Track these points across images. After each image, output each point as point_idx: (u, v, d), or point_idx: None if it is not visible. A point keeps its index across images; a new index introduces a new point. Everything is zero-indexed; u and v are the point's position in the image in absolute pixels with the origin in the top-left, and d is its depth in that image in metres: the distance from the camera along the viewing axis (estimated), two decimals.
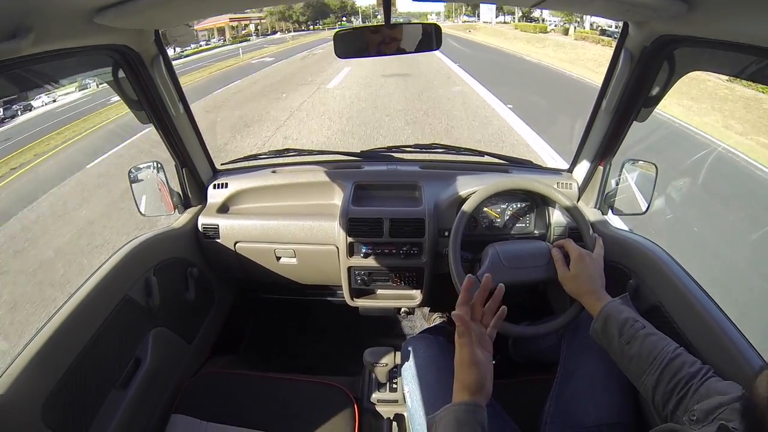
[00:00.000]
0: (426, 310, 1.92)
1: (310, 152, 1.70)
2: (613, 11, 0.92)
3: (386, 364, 1.20)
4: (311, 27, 72.96)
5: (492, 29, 34.46)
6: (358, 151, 1.65)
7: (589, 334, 0.94)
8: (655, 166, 1.24)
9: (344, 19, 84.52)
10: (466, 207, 1.21)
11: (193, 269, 1.43)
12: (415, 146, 1.61)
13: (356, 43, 1.00)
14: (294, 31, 63.35)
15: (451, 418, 0.73)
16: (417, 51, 1.00)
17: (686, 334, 0.90)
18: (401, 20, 1.16)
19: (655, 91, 1.06)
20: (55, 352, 0.89)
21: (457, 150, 1.60)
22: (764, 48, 0.66)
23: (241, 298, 1.84)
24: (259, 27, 60.09)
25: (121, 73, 1.14)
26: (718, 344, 0.82)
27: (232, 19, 48.99)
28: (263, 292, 1.91)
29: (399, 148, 1.64)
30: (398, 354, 1.19)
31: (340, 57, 1.01)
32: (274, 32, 60.21)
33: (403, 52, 0.99)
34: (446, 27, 34.37)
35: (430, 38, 1.00)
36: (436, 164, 1.60)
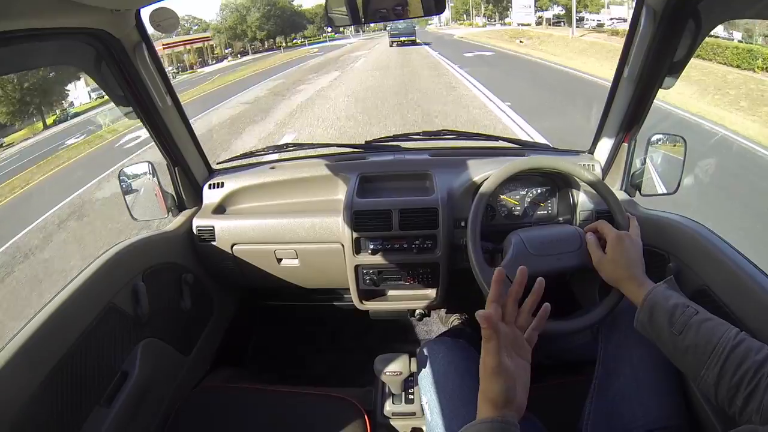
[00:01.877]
0: (442, 312, 1.83)
1: (311, 145, 1.64)
2: None
3: (400, 373, 1.10)
4: (283, 43, 59.36)
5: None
6: (362, 142, 1.58)
7: (634, 327, 0.84)
8: (684, 140, 1.16)
9: (329, 30, 78.75)
10: (484, 189, 1.11)
11: (187, 275, 1.35)
12: (423, 133, 1.53)
13: (355, 7, 0.90)
14: (253, 52, 51.19)
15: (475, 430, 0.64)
16: (421, 16, 0.92)
17: (743, 318, 0.80)
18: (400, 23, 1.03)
19: (680, 54, 0.99)
20: (26, 365, 0.82)
21: (468, 135, 1.52)
22: None
23: (242, 306, 1.76)
24: (205, 51, 48.05)
25: (104, 68, 1.08)
26: None
27: (165, 46, 37.13)
28: (265, 299, 1.82)
29: (406, 137, 1.54)
30: (413, 361, 1.10)
31: (329, 26, 0.93)
32: (222, 58, 48.21)
33: (406, 17, 0.91)
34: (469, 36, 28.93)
35: (433, 2, 0.91)
36: (446, 151, 1.53)
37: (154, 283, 1.18)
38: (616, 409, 0.89)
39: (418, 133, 1.53)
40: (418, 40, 26.20)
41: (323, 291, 1.66)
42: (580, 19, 39.25)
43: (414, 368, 1.10)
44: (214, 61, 45.15)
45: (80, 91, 26.41)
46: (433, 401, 0.95)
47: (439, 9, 0.92)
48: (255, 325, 1.89)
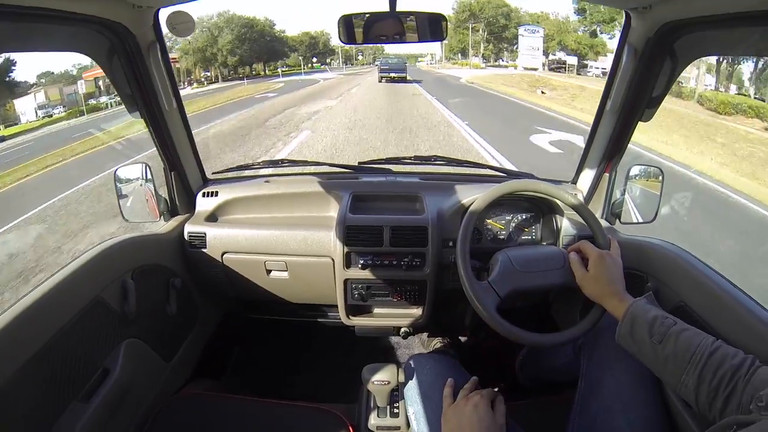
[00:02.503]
0: (424, 336, 1.97)
1: (306, 163, 1.81)
2: None
3: (387, 382, 1.19)
4: (263, 71, 58.25)
5: None
6: (355, 164, 1.76)
7: (616, 340, 0.97)
8: (661, 172, 1.38)
9: (315, 60, 76.99)
10: (474, 207, 1.25)
11: (176, 280, 1.47)
12: (415, 158, 1.73)
13: (363, 29, 1.12)
14: (224, 79, 48.92)
15: None
16: (423, 40, 1.13)
17: (719, 329, 0.94)
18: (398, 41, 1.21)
19: (658, 89, 1.21)
20: (4, 349, 0.88)
21: (458, 162, 1.73)
22: (764, 12, 0.78)
23: (227, 318, 1.87)
24: (182, 73, 47.16)
25: (116, 61, 1.23)
26: (756, 333, 0.87)
27: None
28: (251, 311, 1.93)
29: (398, 160, 1.74)
30: (401, 371, 1.20)
31: (344, 42, 1.14)
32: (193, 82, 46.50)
33: (407, 41, 1.13)
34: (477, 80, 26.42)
35: (435, 28, 1.14)
36: (436, 176, 1.71)
37: (142, 283, 1.28)
38: (601, 422, 1.00)
39: (409, 158, 1.73)
40: (408, 77, 26.94)
41: (309, 307, 1.78)
42: (583, 66, 40.93)
43: (401, 378, 1.19)
44: (185, 85, 43.77)
45: (27, 106, 25.20)
46: (420, 411, 1.07)
47: (436, 36, 1.15)
48: (238, 338, 2.00)
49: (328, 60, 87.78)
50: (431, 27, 1.14)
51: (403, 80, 26.69)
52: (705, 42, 1.07)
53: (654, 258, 1.23)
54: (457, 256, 1.19)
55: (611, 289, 1.04)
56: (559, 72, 37.37)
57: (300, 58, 76.35)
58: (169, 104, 1.38)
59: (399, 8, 1.11)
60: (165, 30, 1.28)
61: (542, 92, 20.30)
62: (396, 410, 1.24)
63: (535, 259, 1.21)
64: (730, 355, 0.78)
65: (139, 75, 1.29)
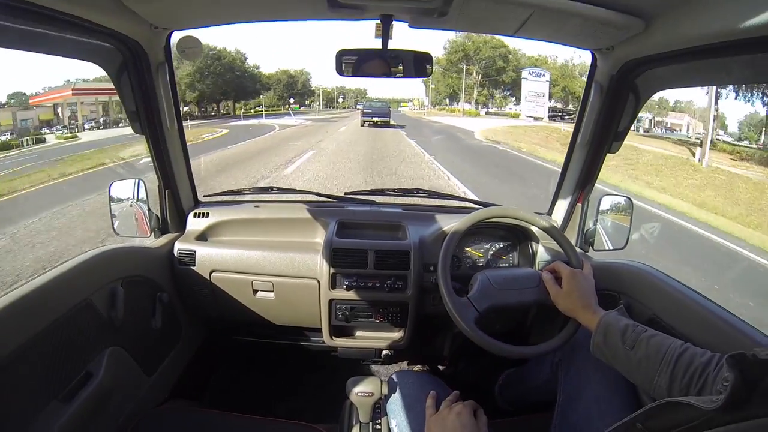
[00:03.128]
0: (404, 364, 2.18)
1: (294, 191, 2.08)
2: (583, 36, 1.33)
3: (371, 394, 1.31)
4: (232, 110, 55.86)
5: None
6: (342, 194, 2.02)
7: (591, 351, 1.14)
8: (630, 201, 1.66)
9: (292, 101, 76.00)
10: (455, 228, 1.47)
11: (162, 294, 1.65)
12: (398, 190, 2.01)
13: (357, 63, 1.40)
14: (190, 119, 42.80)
15: None
16: (408, 76, 1.41)
17: (688, 334, 1.13)
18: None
19: (623, 123, 1.51)
20: None
21: (440, 195, 2.01)
22: (717, 44, 1.01)
23: (210, 338, 2.06)
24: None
25: (125, 77, 1.47)
26: (722, 334, 1.04)
27: (75, 91, 37.92)
28: (235, 333, 2.12)
29: (382, 192, 2.03)
30: (384, 384, 1.33)
31: (340, 74, 1.40)
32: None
33: (397, 75, 1.40)
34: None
35: (422, 65, 1.42)
36: (418, 207, 2.00)
37: (130, 294, 1.43)
38: (580, 430, 1.17)
39: (393, 190, 2.01)
40: (392, 122, 28.17)
41: (293, 330, 2.00)
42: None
43: (385, 391, 1.33)
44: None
45: None
46: (403, 423, 1.23)
47: (422, 74, 1.43)
48: (220, 360, 2.19)
49: (307, 101, 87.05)
50: (418, 65, 1.41)
51: (386, 125, 27.80)
52: (661, 77, 1.36)
53: (625, 277, 1.47)
54: (438, 272, 1.39)
55: (584, 303, 1.24)
56: (562, 121, 38.13)
57: (275, 98, 75.96)
58: (171, 123, 1.61)
59: (390, 46, 1.37)
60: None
61: None
62: (378, 427, 1.37)
63: (512, 278, 1.43)
64: (698, 354, 0.92)
65: (145, 92, 1.52)
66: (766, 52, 0.96)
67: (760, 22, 0.86)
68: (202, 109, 55.17)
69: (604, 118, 1.55)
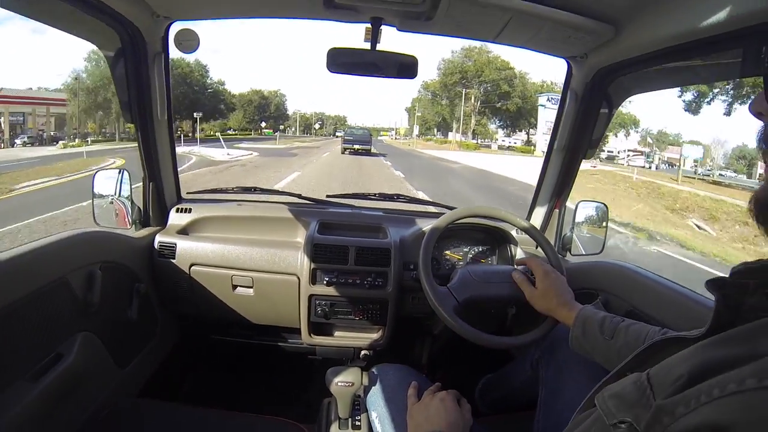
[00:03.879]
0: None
1: (276, 192, 2.35)
2: (557, 42, 1.59)
3: (351, 384, 1.45)
4: (192, 131, 53.65)
5: None
6: (323, 197, 2.29)
7: (570, 346, 1.29)
8: (606, 206, 1.95)
9: (264, 124, 77.52)
10: (436, 225, 1.69)
11: (140, 285, 1.80)
12: (379, 195, 2.29)
13: (347, 61, 1.64)
14: (121, 139, 43.54)
15: None
16: (396, 77, 1.67)
17: (667, 321, 1.29)
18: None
19: (597, 130, 1.81)
20: None
21: (420, 201, 2.33)
22: (683, 45, 1.24)
23: (186, 336, 2.29)
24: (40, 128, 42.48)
25: (121, 63, 1.70)
26: (702, 318, 1.18)
27: (2, 98, 38.91)
28: (212, 332, 2.31)
29: (364, 196, 2.31)
30: (365, 375, 1.50)
31: (330, 71, 1.63)
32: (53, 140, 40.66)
33: (384, 75, 1.66)
34: None
35: (408, 67, 1.67)
36: (398, 211, 2.27)
37: (107, 280, 1.55)
38: (563, 424, 1.26)
39: (374, 194, 2.29)
40: (373, 150, 29.46)
41: (271, 330, 2.20)
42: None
43: (365, 382, 1.49)
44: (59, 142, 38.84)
45: None
46: (384, 414, 1.37)
47: (409, 74, 1.68)
48: (195, 360, 2.37)
49: (281, 126, 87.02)
50: (404, 66, 1.66)
51: (368, 153, 29.57)
52: (633, 83, 1.67)
53: (601, 275, 1.72)
54: (419, 263, 1.59)
55: (560, 300, 1.40)
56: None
57: (245, 120, 76.28)
58: (162, 115, 1.85)
59: (379, 48, 1.64)
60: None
61: (697, 226, 16.55)
62: (358, 422, 1.52)
63: (491, 272, 1.68)
64: None
65: (140, 81, 1.75)
66: (728, 49, 1.18)
67: (720, 19, 1.05)
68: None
69: (579, 126, 1.85)
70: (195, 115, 50.50)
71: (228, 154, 28.54)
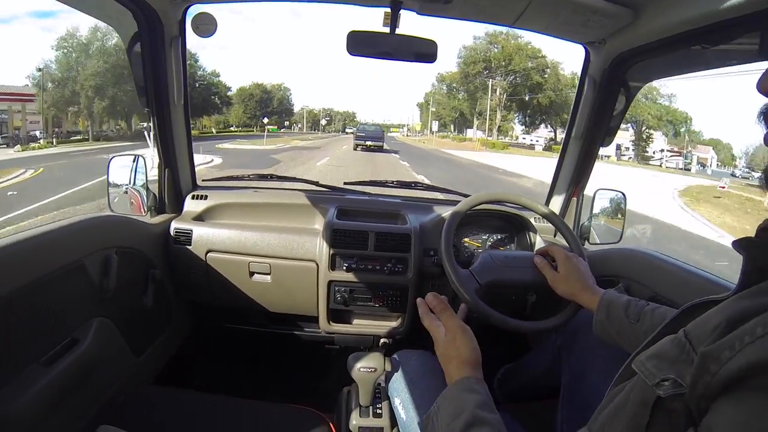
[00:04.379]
0: None
1: (293, 179, 2.51)
2: (576, 27, 1.71)
3: (374, 369, 1.53)
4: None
5: None
6: (341, 185, 2.43)
7: (594, 331, 1.35)
8: (623, 195, 2.09)
9: (266, 120, 70.37)
10: (458, 208, 1.77)
11: (155, 271, 1.92)
12: (397, 182, 2.46)
13: (367, 44, 1.76)
14: (95, 139, 41.83)
15: (456, 392, 1.05)
16: (415, 60, 1.80)
17: None
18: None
19: (615, 118, 1.95)
20: None
21: (439, 189, 2.47)
22: (702, 29, 1.34)
23: (201, 325, 2.44)
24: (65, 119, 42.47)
25: (137, 46, 1.84)
26: None
27: None
28: (227, 320, 2.42)
29: (381, 183, 2.47)
30: (387, 361, 1.56)
31: (350, 53, 1.74)
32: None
33: (404, 59, 1.80)
34: None
35: (427, 52, 1.79)
36: (416, 199, 2.42)
37: (123, 265, 1.64)
38: (587, 410, 1.24)
39: (392, 182, 2.46)
40: (386, 146, 30.30)
41: (287, 319, 2.32)
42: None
43: (388, 368, 1.55)
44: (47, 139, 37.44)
45: None
46: (407, 399, 1.40)
47: (428, 59, 1.81)
48: (210, 348, 2.51)
49: (286, 122, 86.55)
50: (424, 50, 1.79)
51: (380, 149, 30.68)
52: (650, 69, 1.80)
53: (622, 262, 1.83)
54: (441, 246, 1.67)
55: (583, 284, 1.47)
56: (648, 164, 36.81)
57: (246, 116, 75.14)
58: (178, 99, 1.99)
59: (398, 32, 1.76)
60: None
61: None
62: (379, 410, 1.63)
63: (512, 257, 1.77)
64: None
65: (156, 65, 1.89)
66: (746, 32, 1.26)
67: (739, 1, 1.12)
68: (118, 126, 50.53)
69: (596, 113, 1.99)
70: None
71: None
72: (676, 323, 0.83)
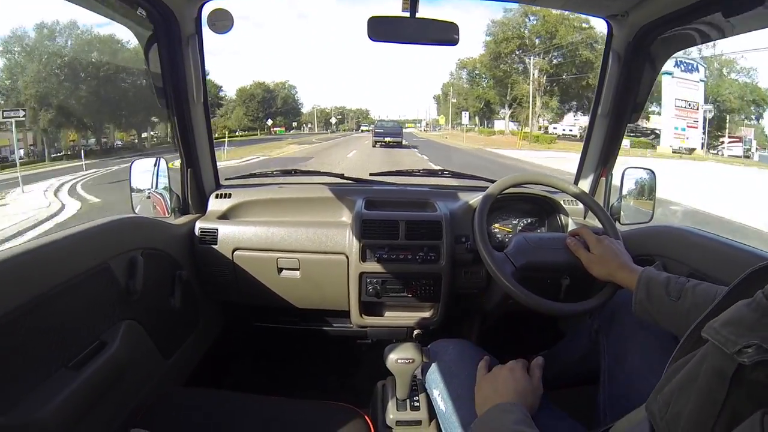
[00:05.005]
0: None
1: (318, 173, 2.67)
2: (597, 1, 1.84)
3: (411, 360, 1.62)
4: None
5: None
6: (367, 176, 2.60)
7: (633, 311, 1.41)
8: (653, 172, 2.24)
9: (270, 122, 75.82)
10: (490, 191, 1.93)
11: (182, 272, 2.06)
12: (424, 171, 2.65)
13: (388, 28, 1.89)
14: (52, 157, 38.15)
15: (489, 414, 1.18)
16: (437, 43, 1.94)
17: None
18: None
19: (642, 93, 2.09)
20: None
21: (467, 176, 2.63)
22: None
23: (229, 325, 2.62)
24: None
25: (154, 47, 1.99)
26: None
27: None
28: (256, 318, 2.61)
29: (408, 172, 2.65)
30: (424, 353, 1.66)
31: (372, 39, 1.88)
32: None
33: (426, 42, 1.94)
34: None
35: (449, 34, 1.93)
36: (445, 187, 2.58)
37: (149, 267, 1.76)
38: (630, 391, 1.41)
39: (418, 171, 2.64)
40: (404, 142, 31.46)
41: (316, 315, 2.50)
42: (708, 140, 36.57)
43: (425, 359, 1.64)
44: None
45: None
46: (447, 391, 1.50)
47: (450, 41, 1.93)
48: (241, 348, 2.69)
49: (294, 123, 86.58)
50: (445, 33, 1.92)
51: (399, 145, 32.56)
52: (675, 39, 1.91)
53: (658, 239, 1.93)
54: (474, 228, 1.85)
55: (619, 262, 1.57)
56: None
57: (248, 118, 74.72)
58: (198, 97, 2.15)
59: (419, 15, 1.89)
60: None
61: None
62: (416, 403, 1.73)
63: (547, 239, 1.91)
64: None
65: (174, 64, 2.04)
66: None
67: None
68: (102, 138, 47.78)
69: (623, 89, 2.13)
70: (153, 119, 48.84)
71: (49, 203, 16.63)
72: (745, 288, 0.86)
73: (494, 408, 1.21)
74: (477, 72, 59.15)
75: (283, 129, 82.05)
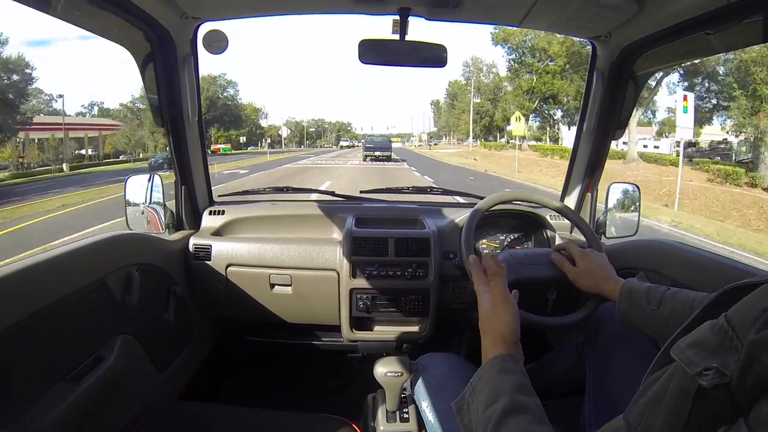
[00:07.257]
0: None
1: (309, 191, 2.76)
2: (582, 22, 1.89)
3: (401, 373, 1.65)
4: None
5: None
6: (357, 194, 2.65)
7: (617, 320, 1.47)
8: (638, 187, 2.30)
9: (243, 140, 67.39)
10: (479, 206, 1.92)
11: (176, 287, 2.12)
12: (413, 188, 2.69)
13: (379, 52, 1.96)
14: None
15: (492, 372, 1.12)
16: (427, 66, 1.99)
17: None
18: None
19: (625, 110, 2.16)
20: None
21: (453, 192, 2.70)
22: (706, 14, 1.50)
23: (222, 339, 2.65)
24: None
25: (151, 66, 2.03)
26: None
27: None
28: (249, 333, 2.65)
29: (397, 190, 2.71)
30: (413, 366, 1.69)
31: (363, 62, 1.94)
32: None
33: (415, 65, 1.99)
34: None
35: (438, 56, 1.99)
36: (433, 204, 2.62)
37: (145, 282, 1.80)
38: (614, 402, 1.45)
39: (407, 188, 2.69)
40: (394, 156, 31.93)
41: (308, 330, 2.56)
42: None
43: (414, 372, 1.68)
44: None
45: None
46: (435, 403, 1.53)
47: (438, 64, 2.01)
48: (233, 362, 2.71)
49: (268, 140, 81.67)
50: (434, 55, 1.99)
51: (388, 159, 33.32)
52: (657, 58, 1.98)
53: (640, 252, 1.99)
54: (461, 244, 1.83)
55: (605, 275, 1.62)
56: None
57: (219, 131, 69.51)
58: (193, 116, 2.21)
59: (408, 38, 1.95)
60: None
61: None
62: (406, 415, 1.76)
63: (532, 254, 1.94)
64: None
65: (169, 83, 2.09)
66: (751, 13, 1.39)
67: None
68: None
69: (607, 107, 2.20)
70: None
71: None
72: (714, 308, 0.87)
73: (496, 361, 1.17)
74: (530, 46, 48.87)
75: (229, 147, 72.99)
